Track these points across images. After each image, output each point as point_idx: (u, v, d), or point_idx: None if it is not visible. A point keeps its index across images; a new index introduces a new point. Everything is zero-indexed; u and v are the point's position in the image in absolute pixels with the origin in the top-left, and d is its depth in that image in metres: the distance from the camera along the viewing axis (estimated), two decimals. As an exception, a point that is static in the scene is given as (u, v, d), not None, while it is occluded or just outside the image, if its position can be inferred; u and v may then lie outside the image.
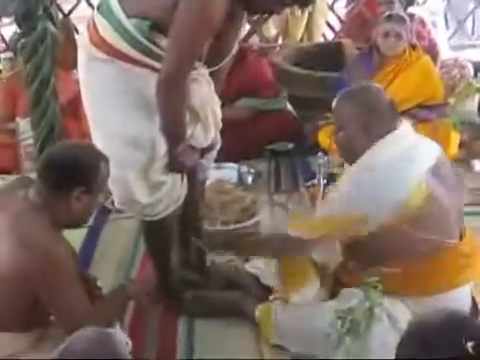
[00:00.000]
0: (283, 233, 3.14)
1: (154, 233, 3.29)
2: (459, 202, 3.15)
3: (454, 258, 3.00)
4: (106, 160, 2.79)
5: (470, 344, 1.68)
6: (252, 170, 4.95)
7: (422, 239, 2.87)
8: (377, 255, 2.92)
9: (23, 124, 4.91)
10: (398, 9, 5.95)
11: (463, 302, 2.98)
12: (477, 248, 3.12)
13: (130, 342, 2.51)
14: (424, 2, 7.51)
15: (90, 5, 7.38)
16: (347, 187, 2.99)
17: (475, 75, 6.37)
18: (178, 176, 3.14)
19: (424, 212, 2.87)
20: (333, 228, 2.92)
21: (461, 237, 3.06)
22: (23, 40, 4.61)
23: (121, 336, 2.29)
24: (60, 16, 6.82)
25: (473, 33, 8.69)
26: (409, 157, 2.93)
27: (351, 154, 3.06)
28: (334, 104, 3.09)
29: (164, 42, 2.89)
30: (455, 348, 1.70)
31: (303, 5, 3.10)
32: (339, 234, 2.93)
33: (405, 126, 3.08)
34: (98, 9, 3.03)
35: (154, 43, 2.90)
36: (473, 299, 3.10)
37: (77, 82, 3.91)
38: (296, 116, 5.60)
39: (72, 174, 2.68)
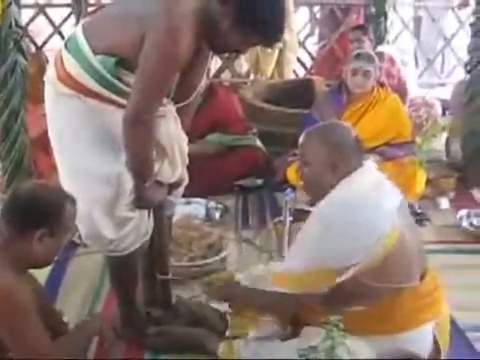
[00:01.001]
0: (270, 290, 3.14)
1: (119, 269, 3.27)
2: (420, 242, 3.19)
3: (414, 299, 3.02)
4: (72, 201, 2.78)
5: None
6: (220, 206, 4.98)
7: (386, 284, 2.92)
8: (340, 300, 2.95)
9: (-7, 157, 4.91)
10: (368, 47, 6.06)
11: (424, 341, 3.01)
12: (439, 287, 3.14)
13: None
14: (394, 41, 7.64)
15: (63, 38, 7.43)
16: (318, 230, 2.96)
17: (443, 113, 6.50)
18: (145, 211, 3.15)
19: (393, 255, 2.89)
20: (314, 281, 2.93)
21: (423, 277, 3.08)
22: (-8, 72, 4.69)
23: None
24: (33, 49, 6.89)
25: (442, 71, 8.82)
26: (378, 200, 2.96)
27: (316, 190, 3.07)
28: (301, 140, 3.12)
29: (131, 79, 2.90)
30: None
31: (268, 45, 3.15)
32: (320, 286, 2.93)
33: (369, 164, 3.11)
34: (65, 45, 3.04)
35: (120, 80, 2.92)
36: (434, 337, 3.10)
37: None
38: (265, 152, 5.63)
39: (34, 215, 2.68)
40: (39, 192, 2.76)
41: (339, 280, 2.84)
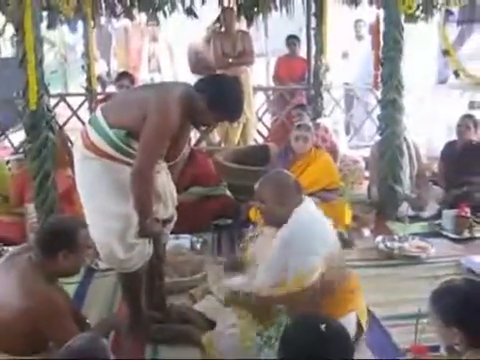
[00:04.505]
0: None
1: (129, 282, 3.47)
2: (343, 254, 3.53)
3: (344, 292, 3.32)
4: (84, 226, 3.01)
5: (323, 325, 2.04)
6: (201, 239, 5.10)
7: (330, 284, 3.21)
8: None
9: (30, 207, 5.04)
10: (307, 119, 6.28)
11: (350, 325, 3.26)
12: (359, 286, 3.47)
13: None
14: (329, 114, 7.85)
15: (79, 119, 7.68)
16: (282, 248, 3.20)
17: (366, 167, 6.77)
18: (147, 239, 3.37)
19: (337, 262, 3.24)
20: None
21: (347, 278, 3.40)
22: (30, 145, 4.87)
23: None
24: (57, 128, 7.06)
25: (368, 136, 8.94)
26: (322, 223, 3.28)
27: (272, 220, 3.37)
28: (257, 186, 3.40)
29: (136, 145, 3.20)
30: (312, 330, 2.05)
31: (231, 121, 3.51)
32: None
33: (308, 201, 3.39)
34: (89, 122, 3.34)
35: (129, 146, 3.22)
36: (358, 322, 3.40)
37: (69, 177, 4.08)
38: (233, 199, 5.72)
39: (56, 240, 2.92)
40: (58, 223, 3.03)
41: (308, 283, 3.06)
